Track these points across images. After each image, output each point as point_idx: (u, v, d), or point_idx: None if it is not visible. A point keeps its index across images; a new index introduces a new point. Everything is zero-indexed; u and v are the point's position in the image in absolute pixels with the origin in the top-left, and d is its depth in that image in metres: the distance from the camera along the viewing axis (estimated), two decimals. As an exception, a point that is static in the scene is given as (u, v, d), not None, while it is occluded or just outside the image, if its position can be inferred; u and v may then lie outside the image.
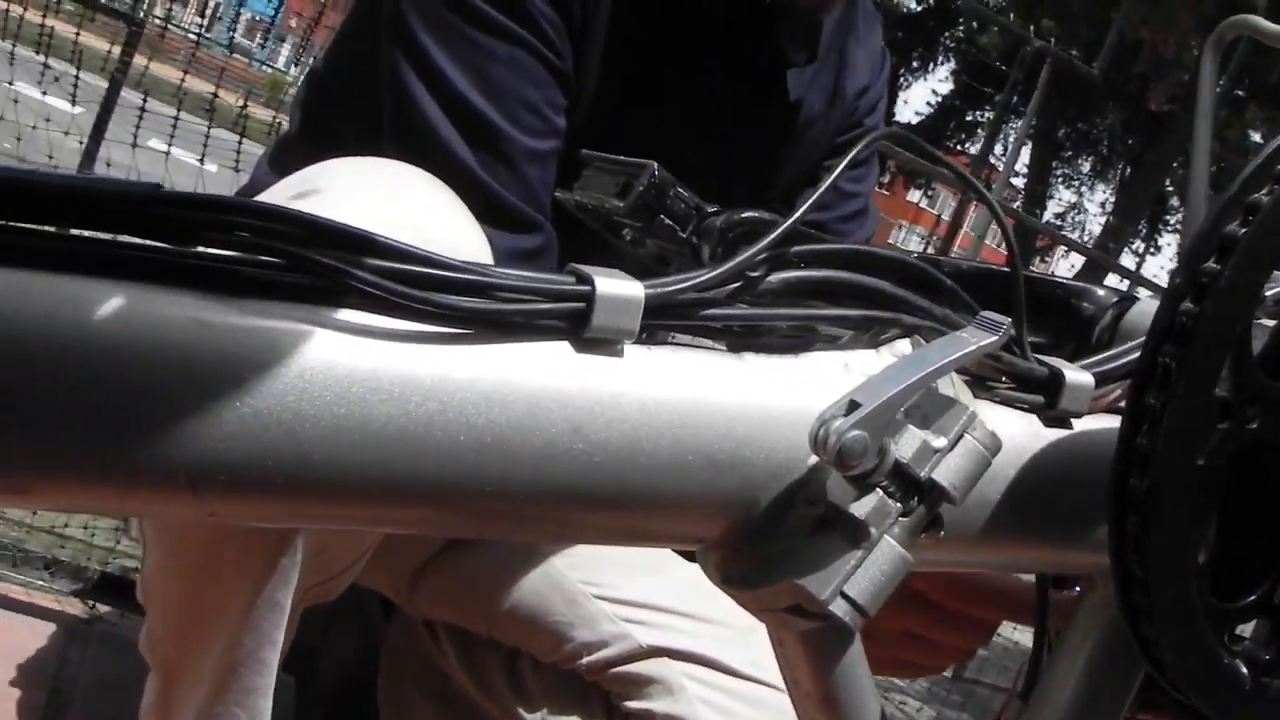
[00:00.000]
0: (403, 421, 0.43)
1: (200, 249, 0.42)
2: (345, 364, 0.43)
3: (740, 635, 1.09)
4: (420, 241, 0.45)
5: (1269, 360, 0.57)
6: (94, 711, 1.70)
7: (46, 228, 0.41)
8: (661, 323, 0.49)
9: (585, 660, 1.10)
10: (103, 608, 2.03)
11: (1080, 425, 0.61)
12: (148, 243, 0.42)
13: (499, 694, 1.20)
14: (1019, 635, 4.91)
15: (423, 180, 0.81)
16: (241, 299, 0.42)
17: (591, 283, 0.47)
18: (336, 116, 1.23)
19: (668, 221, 0.58)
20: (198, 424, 0.41)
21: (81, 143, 2.71)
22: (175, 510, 0.43)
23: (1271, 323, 0.59)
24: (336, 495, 0.44)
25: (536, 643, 1.13)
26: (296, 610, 0.88)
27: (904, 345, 0.55)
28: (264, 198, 0.83)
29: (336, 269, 0.42)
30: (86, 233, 0.42)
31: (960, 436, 0.51)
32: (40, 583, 2.08)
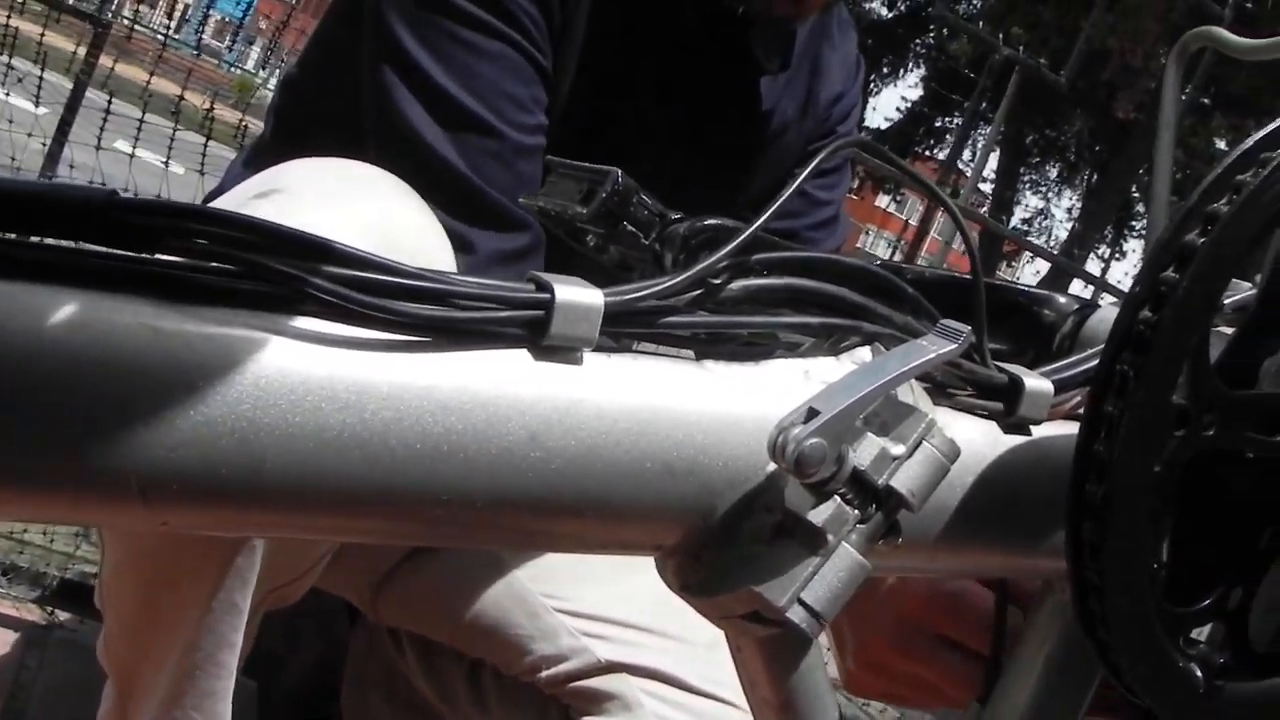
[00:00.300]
0: (358, 429, 0.43)
1: (156, 255, 0.42)
2: (300, 372, 0.42)
3: (700, 652, 1.09)
4: (379, 244, 0.45)
5: (1226, 368, 0.57)
6: (52, 717, 1.68)
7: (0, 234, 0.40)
8: (621, 330, 0.48)
9: (544, 674, 1.09)
10: (62, 614, 2.01)
11: (1039, 432, 0.62)
12: (102, 249, 0.41)
13: (460, 704, 1.19)
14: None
15: (384, 181, 0.80)
16: (196, 306, 0.42)
17: (551, 290, 0.46)
18: (311, 121, 1.22)
19: (631, 228, 0.58)
20: (149, 432, 0.40)
21: (45, 144, 2.68)
22: (126, 520, 0.42)
23: (1229, 330, 0.60)
24: (291, 505, 0.43)
25: (498, 654, 1.13)
26: (256, 614, 0.87)
27: (864, 353, 0.56)
28: (225, 199, 0.82)
29: (292, 276, 0.42)
30: (40, 239, 0.41)
31: (919, 444, 0.51)
32: (-2, 589, 2.06)
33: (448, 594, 1.13)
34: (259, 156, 1.23)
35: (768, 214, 0.53)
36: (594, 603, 1.11)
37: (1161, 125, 0.78)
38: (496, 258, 1.05)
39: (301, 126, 1.23)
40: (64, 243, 0.41)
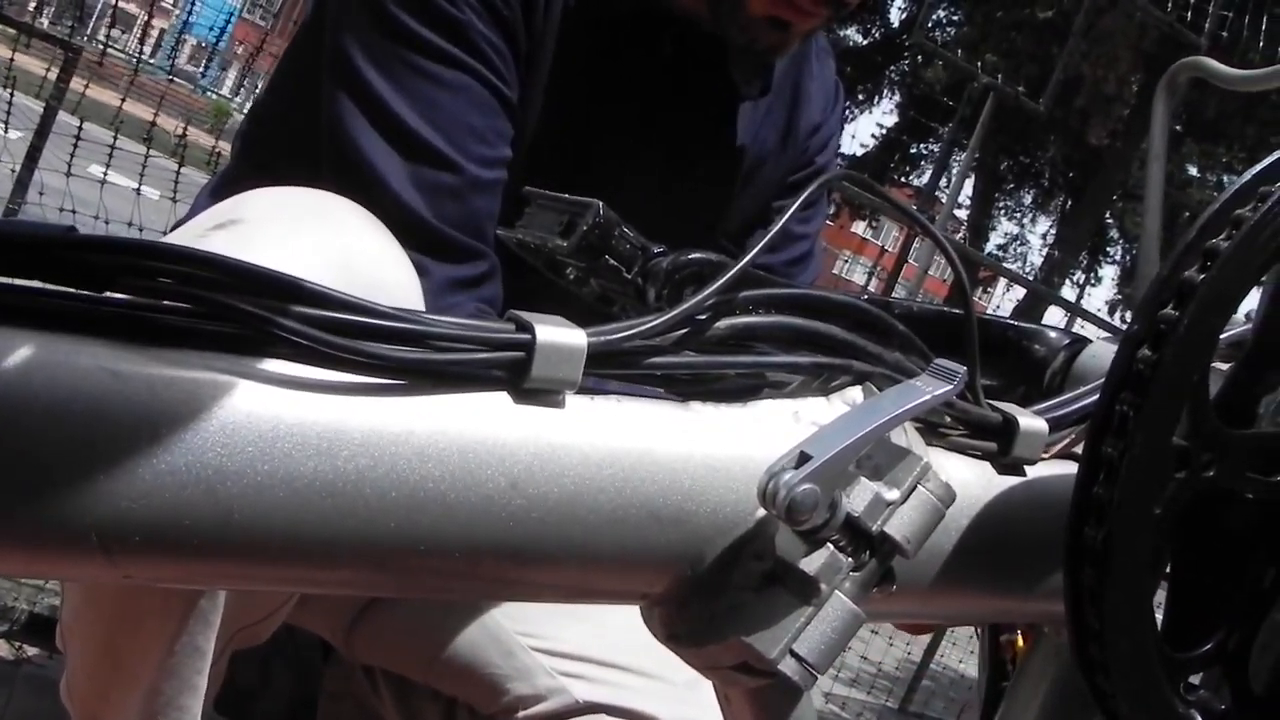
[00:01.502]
0: (330, 477, 0.41)
1: (115, 295, 0.40)
2: (269, 417, 0.40)
3: (679, 691, 1.07)
4: (341, 276, 0.43)
5: (1223, 406, 0.56)
6: (18, 759, 1.65)
7: (-52, 272, 0.38)
8: (605, 372, 0.47)
9: (522, 714, 1.07)
10: (30, 649, 1.97)
11: (1033, 472, 0.60)
12: (58, 288, 0.39)
13: (437, 743, 1.16)
14: (965, 666, 4.93)
15: (348, 211, 0.78)
16: (158, 348, 0.40)
17: (532, 331, 0.45)
18: (277, 149, 1.20)
19: (612, 262, 0.56)
20: (110, 482, 0.38)
21: (14, 170, 2.65)
22: (86, 573, 0.40)
23: (1224, 367, 0.58)
24: (260, 556, 0.41)
25: (474, 694, 1.10)
26: (223, 654, 0.85)
27: (855, 393, 0.54)
28: (183, 230, 0.80)
29: (259, 317, 0.40)
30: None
31: (914, 488, 0.49)
32: (-34, 624, 2.02)
33: (422, 632, 1.11)
34: (225, 185, 1.21)
35: (756, 250, 0.51)
36: (571, 641, 1.09)
37: (1151, 157, 0.77)
38: (450, 284, 1.03)
39: (267, 154, 1.21)
40: (18, 281, 0.39)
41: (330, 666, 1.32)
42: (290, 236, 0.70)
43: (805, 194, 0.55)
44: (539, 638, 1.09)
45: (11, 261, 0.39)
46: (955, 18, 15.20)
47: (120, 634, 0.80)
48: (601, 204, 0.56)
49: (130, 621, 0.79)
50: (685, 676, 1.06)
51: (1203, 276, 0.51)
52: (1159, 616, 0.57)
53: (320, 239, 0.72)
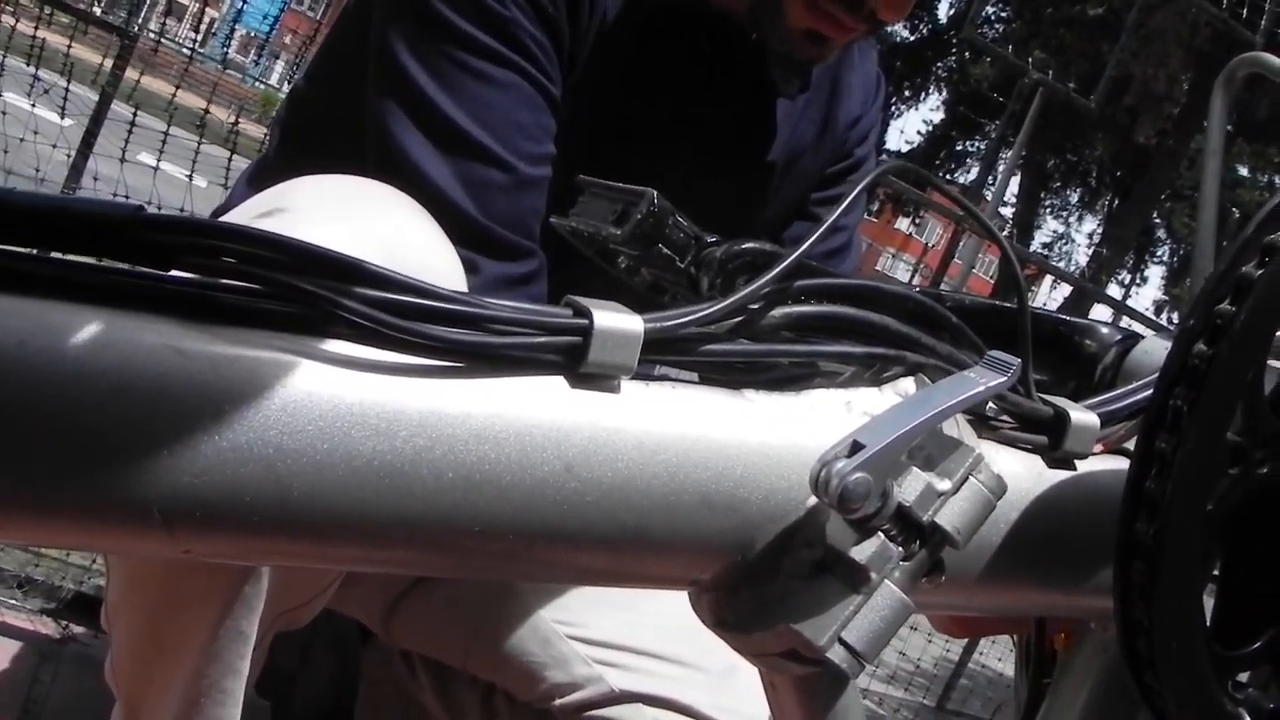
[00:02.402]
0: (389, 457, 0.42)
1: (179, 274, 0.41)
2: (329, 396, 0.41)
3: (715, 680, 1.07)
4: (388, 262, 0.44)
5: (1278, 404, 0.55)
6: (65, 734, 1.67)
7: (20, 249, 0.39)
8: (661, 358, 0.47)
9: (558, 702, 1.08)
10: (76, 628, 1.99)
11: (1084, 467, 0.60)
12: (124, 266, 0.40)
13: (474, 729, 1.17)
14: (1003, 665, 4.90)
15: (392, 199, 0.79)
16: (221, 327, 0.40)
17: (589, 316, 0.45)
18: (315, 136, 1.20)
19: (665, 251, 0.56)
20: (172, 458, 0.39)
21: (69, 156, 2.67)
22: (147, 547, 0.41)
23: (1278, 365, 0.58)
24: (318, 534, 0.42)
25: (511, 680, 1.11)
26: (265, 638, 0.86)
27: (908, 384, 0.54)
28: (229, 217, 0.81)
29: (321, 297, 0.41)
30: (62, 255, 0.40)
31: (965, 479, 0.50)
32: (13, 602, 2.04)
33: (460, 619, 1.12)
34: (264, 172, 1.21)
35: (813, 240, 0.51)
36: (608, 630, 1.09)
37: (1208, 153, 0.76)
38: (499, 281, 1.03)
39: (307, 141, 1.21)
40: (86, 259, 0.40)
41: (369, 652, 1.33)
42: (337, 222, 0.71)
43: (861, 184, 0.55)
44: (576, 626, 1.09)
45: (80, 239, 0.40)
46: (1004, 14, 15.09)
47: (165, 616, 0.81)
48: (655, 193, 0.56)
49: (175, 604, 0.80)
50: (721, 665, 1.06)
51: (1260, 272, 0.50)
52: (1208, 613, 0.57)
53: (364, 225, 0.72)
